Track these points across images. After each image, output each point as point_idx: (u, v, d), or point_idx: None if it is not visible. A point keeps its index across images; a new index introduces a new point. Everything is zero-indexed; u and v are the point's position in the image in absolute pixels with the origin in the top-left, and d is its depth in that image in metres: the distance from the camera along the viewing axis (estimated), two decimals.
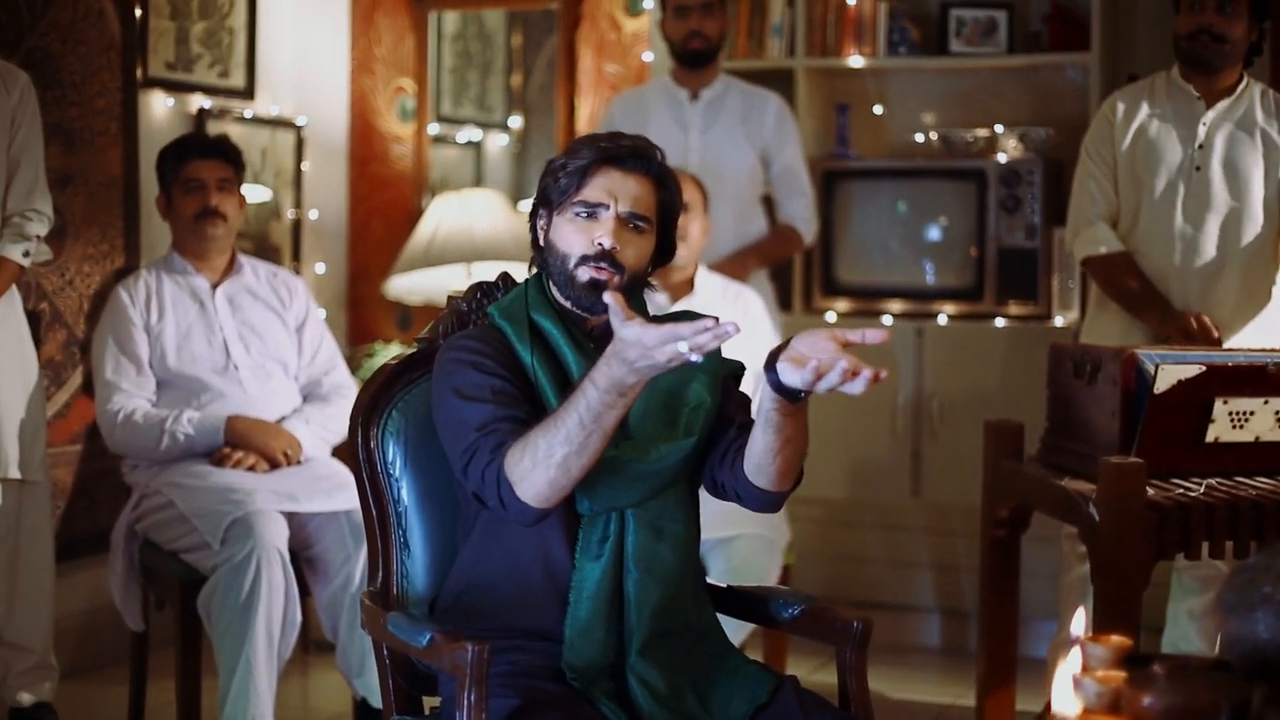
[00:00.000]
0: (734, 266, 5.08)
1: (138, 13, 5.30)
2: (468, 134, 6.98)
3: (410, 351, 3.06)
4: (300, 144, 6.09)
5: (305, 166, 6.12)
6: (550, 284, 2.84)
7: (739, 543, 4.38)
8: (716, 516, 4.40)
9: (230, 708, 3.99)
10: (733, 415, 2.86)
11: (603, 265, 2.75)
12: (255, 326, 4.57)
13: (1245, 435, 3.59)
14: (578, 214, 2.78)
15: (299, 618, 4.11)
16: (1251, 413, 3.58)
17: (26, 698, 4.42)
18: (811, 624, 2.94)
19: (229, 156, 4.60)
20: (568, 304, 2.82)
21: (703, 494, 4.17)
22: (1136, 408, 3.51)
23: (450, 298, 3.07)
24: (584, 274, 2.77)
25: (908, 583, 5.57)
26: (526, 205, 5.93)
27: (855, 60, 5.68)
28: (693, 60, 5.30)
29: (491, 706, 2.59)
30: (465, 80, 7.03)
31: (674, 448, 2.74)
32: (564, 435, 2.51)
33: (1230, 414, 3.56)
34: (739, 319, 4.62)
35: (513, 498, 2.57)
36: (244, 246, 5.63)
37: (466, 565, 2.84)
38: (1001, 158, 5.42)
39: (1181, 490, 3.45)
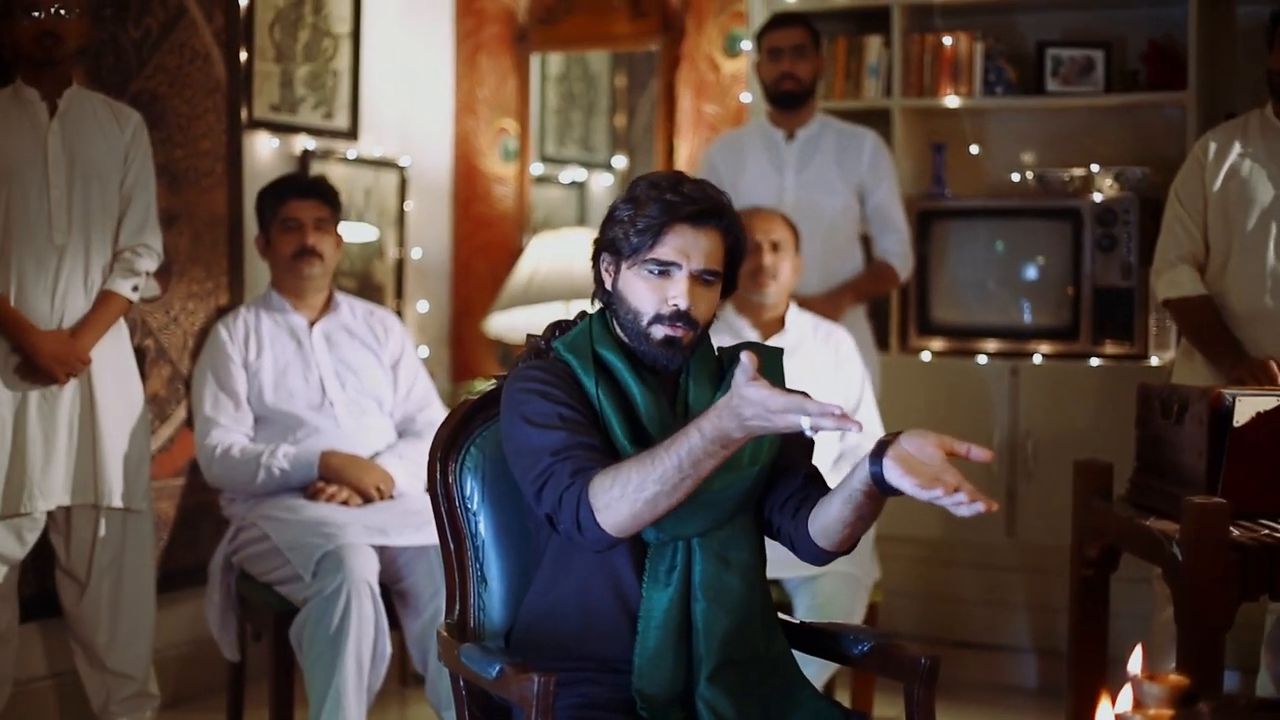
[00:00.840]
0: (828, 304, 5.10)
1: (243, 56, 5.42)
2: (571, 174, 7.06)
3: (488, 388, 3.11)
4: (403, 184, 6.19)
5: (408, 206, 6.22)
6: (615, 324, 2.89)
7: (824, 580, 4.39)
8: None
9: None
10: (796, 459, 2.88)
11: (677, 324, 2.80)
12: (351, 363, 4.65)
13: None
14: (650, 271, 2.82)
15: (388, 650, 4.17)
16: None
17: None
18: (881, 660, 2.96)
19: (326, 197, 4.69)
20: (642, 356, 2.85)
21: None
22: (1222, 447, 3.48)
23: (529, 336, 3.12)
24: (658, 332, 2.81)
25: (1003, 622, 5.54)
26: None
27: (951, 100, 5.69)
28: (786, 102, 5.33)
29: None
30: (569, 121, 7.11)
31: (738, 478, 2.78)
32: (659, 474, 2.55)
33: None
34: (829, 357, 4.69)
35: (591, 522, 2.61)
36: (347, 285, 5.76)
37: (537, 596, 2.89)
38: (1097, 197, 5.40)
39: (1268, 531, 3.40)
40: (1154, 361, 5.31)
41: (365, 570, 4.10)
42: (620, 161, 7.08)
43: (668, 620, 2.76)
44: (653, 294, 2.81)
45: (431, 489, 3.03)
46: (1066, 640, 4.97)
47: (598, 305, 2.96)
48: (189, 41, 5.18)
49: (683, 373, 2.90)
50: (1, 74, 4.44)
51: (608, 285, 2.90)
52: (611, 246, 2.88)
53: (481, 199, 6.64)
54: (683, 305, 2.79)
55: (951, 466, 2.46)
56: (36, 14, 4.27)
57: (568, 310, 5.89)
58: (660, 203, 2.81)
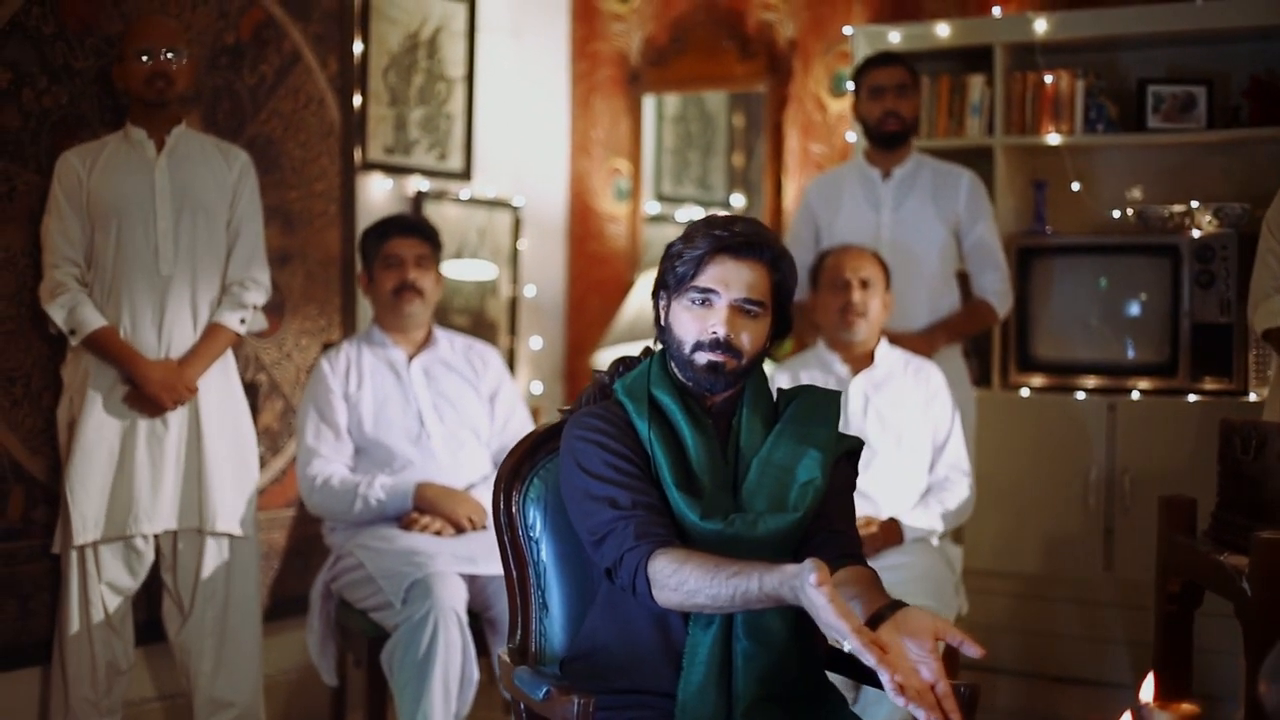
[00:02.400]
0: (921, 342, 5.15)
1: (357, 101, 5.60)
2: (688, 213, 7.17)
3: (553, 423, 3.23)
4: (517, 223, 6.34)
5: (522, 245, 6.37)
6: (674, 365, 2.99)
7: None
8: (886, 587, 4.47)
9: None
10: (833, 511, 2.95)
11: (718, 351, 2.90)
12: (449, 396, 4.79)
13: None
14: (693, 301, 2.93)
15: (476, 675, 4.29)
16: None
17: None
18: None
19: (427, 235, 4.83)
20: (690, 384, 2.96)
21: (876, 564, 4.28)
22: None
23: (594, 371, 3.23)
24: (701, 358, 2.92)
25: (1102, 657, 5.54)
26: None
27: (1053, 138, 5.72)
28: (888, 141, 5.38)
29: None
30: (686, 160, 7.23)
31: (780, 520, 2.86)
32: (713, 593, 2.65)
33: None
34: (920, 393, 4.75)
35: (646, 592, 2.74)
36: (460, 322, 5.92)
37: (592, 627, 3.00)
38: (1196, 233, 5.40)
39: None
40: (1252, 397, 5.29)
41: (453, 598, 4.22)
42: (738, 200, 7.18)
43: (710, 657, 2.84)
44: (695, 323, 2.92)
45: (495, 518, 3.15)
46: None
47: (659, 346, 3.07)
48: (303, 87, 5.37)
49: (736, 414, 2.99)
50: (116, 116, 4.65)
51: (662, 323, 3.01)
52: (663, 282, 3.00)
53: (595, 237, 6.78)
54: (721, 333, 2.89)
55: (932, 662, 2.48)
56: (146, 58, 4.48)
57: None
58: (708, 237, 2.93)
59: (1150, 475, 5.36)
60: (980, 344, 5.75)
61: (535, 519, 3.13)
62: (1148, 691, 2.36)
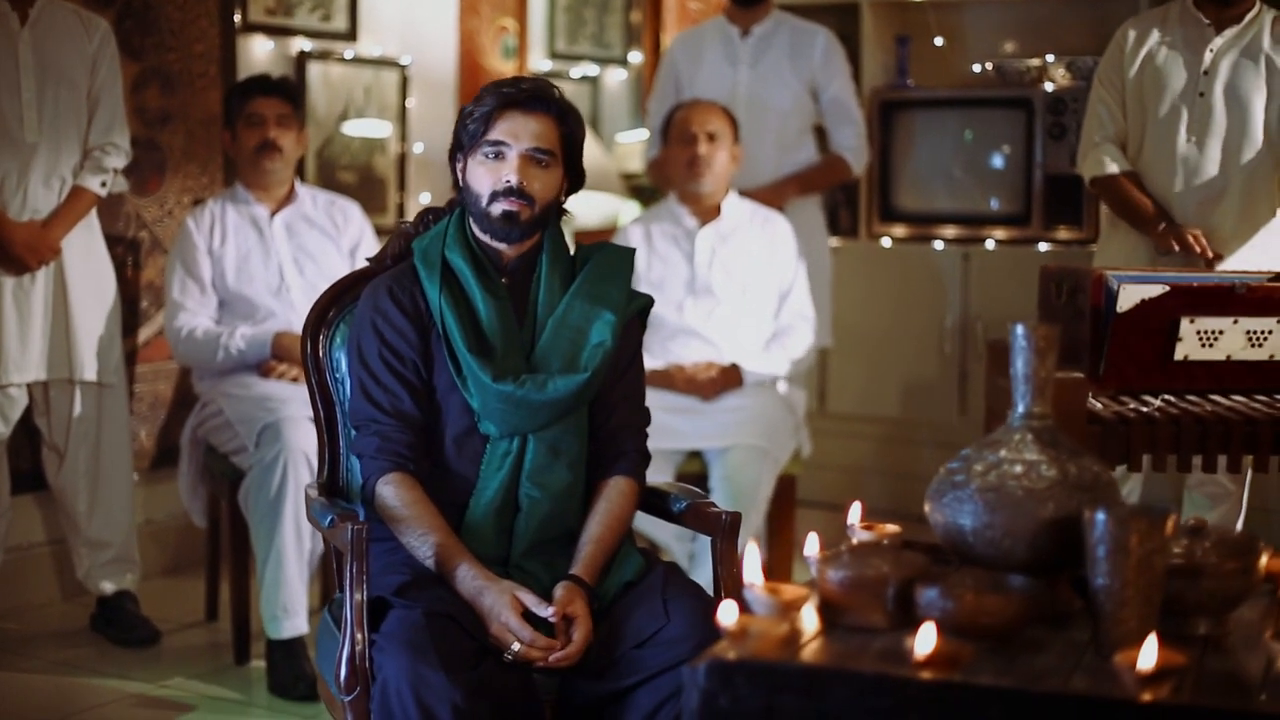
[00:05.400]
0: (771, 194, 5.33)
1: None
2: (583, 69, 7.30)
3: (359, 269, 3.42)
4: (404, 82, 6.47)
5: (410, 103, 6.50)
6: (470, 221, 3.17)
7: (734, 453, 4.66)
8: (716, 428, 4.71)
9: (265, 594, 4.44)
10: (622, 394, 3.20)
11: (512, 198, 3.08)
12: (310, 250, 4.95)
13: (1216, 354, 3.67)
14: (486, 155, 3.10)
15: None
16: (1221, 332, 3.65)
17: (109, 586, 4.91)
18: (695, 517, 3.22)
19: (288, 94, 4.98)
20: (485, 237, 3.14)
21: (716, 405, 4.50)
22: (1105, 329, 3.65)
23: (398, 223, 3.41)
24: (496, 209, 3.09)
25: None
26: (633, 138, 6.22)
27: None
28: (742, 0, 5.53)
29: (385, 582, 2.95)
30: (582, 17, 7.34)
31: (568, 381, 3.06)
32: (414, 547, 3.00)
33: (1199, 333, 3.65)
34: (764, 243, 4.93)
35: (370, 505, 3.07)
36: (348, 178, 6.07)
37: None
38: (1049, 86, 5.56)
39: (1133, 406, 3.55)
40: None
41: (303, 441, 4.41)
42: (636, 57, 7.31)
43: (494, 499, 3.06)
44: (489, 175, 3.09)
45: (303, 361, 3.33)
46: None
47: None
48: None
49: (536, 271, 3.17)
50: None
51: (460, 183, 3.19)
52: (458, 143, 3.17)
53: None
54: (514, 181, 3.06)
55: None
56: None
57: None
58: (495, 94, 3.11)
59: (1001, 322, 5.55)
60: (850, 195, 5.93)
61: (340, 361, 3.30)
62: (854, 515, 2.57)
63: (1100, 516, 2.07)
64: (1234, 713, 1.87)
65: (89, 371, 4.78)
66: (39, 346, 4.70)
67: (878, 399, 5.80)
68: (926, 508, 2.33)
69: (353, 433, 3.16)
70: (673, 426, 4.67)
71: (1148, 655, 1.88)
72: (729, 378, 4.83)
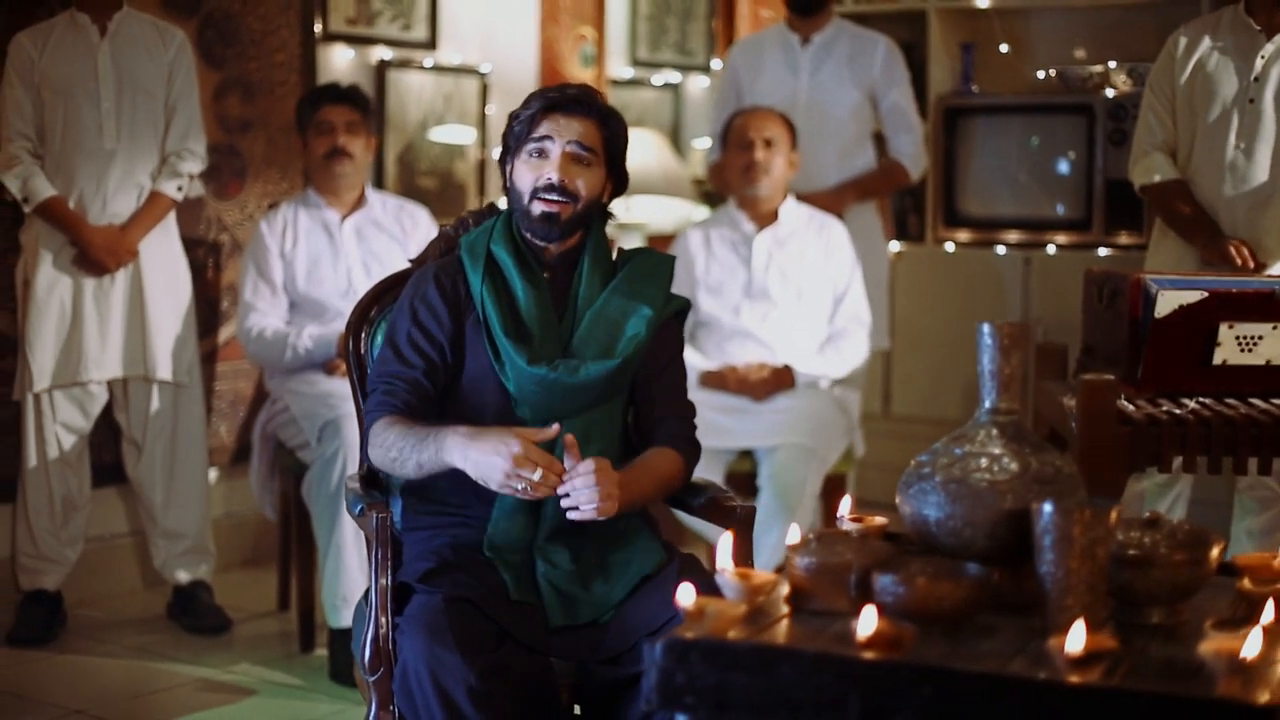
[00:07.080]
0: (830, 199, 5.43)
1: None
2: (665, 77, 7.44)
3: (400, 271, 3.57)
4: (484, 89, 6.63)
5: (490, 110, 6.66)
6: (516, 220, 3.30)
7: (781, 451, 4.77)
8: (765, 427, 4.82)
9: (326, 584, 4.61)
10: (664, 390, 3.31)
11: (552, 195, 3.21)
12: (378, 254, 5.12)
13: (1255, 359, 3.70)
14: (530, 154, 3.24)
15: None
16: (1260, 337, 3.68)
17: (184, 576, 5.11)
18: (714, 511, 3.32)
19: (357, 102, 5.15)
20: (529, 235, 3.27)
21: (766, 406, 4.59)
22: (1144, 333, 3.69)
23: (441, 225, 3.55)
24: (537, 208, 3.22)
25: None
26: (707, 144, 6.36)
27: (983, 1, 5.92)
28: (801, 9, 5.64)
29: (414, 569, 3.08)
30: (664, 25, 7.48)
31: (600, 366, 3.18)
32: (402, 445, 3.08)
33: (1238, 338, 3.68)
34: (820, 248, 5.04)
35: (365, 449, 3.21)
36: (428, 184, 6.24)
37: None
38: (1110, 92, 5.61)
39: (1166, 408, 3.59)
40: None
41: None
42: (717, 64, 7.42)
43: None
44: (531, 173, 3.22)
45: (345, 358, 3.50)
46: None
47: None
48: None
49: (578, 267, 3.29)
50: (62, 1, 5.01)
51: (507, 184, 3.33)
52: (506, 146, 3.32)
53: None
54: (555, 178, 3.18)
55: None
56: None
57: (627, 207, 6.31)
58: (540, 98, 3.25)
59: (1061, 326, 5.62)
60: (917, 201, 6.01)
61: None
62: (845, 508, 2.68)
63: (1046, 508, 2.17)
64: (1156, 695, 1.95)
65: (164, 370, 4.99)
66: (117, 345, 4.92)
67: (941, 401, 5.89)
68: (897, 499, 2.43)
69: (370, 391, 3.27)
70: (724, 425, 4.80)
71: (1075, 639, 1.97)
72: (781, 379, 4.94)
